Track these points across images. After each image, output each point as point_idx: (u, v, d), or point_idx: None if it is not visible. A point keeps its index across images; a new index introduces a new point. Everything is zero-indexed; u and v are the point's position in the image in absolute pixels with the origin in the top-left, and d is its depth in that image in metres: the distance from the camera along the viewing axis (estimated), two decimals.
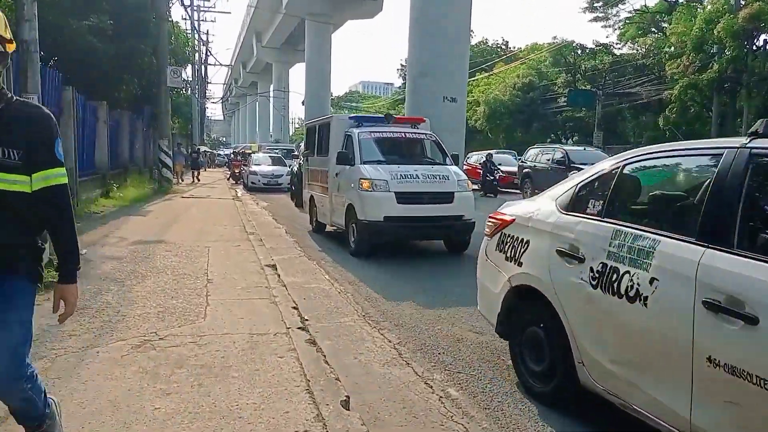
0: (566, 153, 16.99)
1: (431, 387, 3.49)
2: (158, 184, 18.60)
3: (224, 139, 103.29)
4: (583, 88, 41.02)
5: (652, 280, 2.55)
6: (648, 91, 38.35)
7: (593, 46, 46.60)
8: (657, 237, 2.62)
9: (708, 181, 2.57)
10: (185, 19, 32.89)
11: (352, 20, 47.56)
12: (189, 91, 36.16)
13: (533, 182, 17.40)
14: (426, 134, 9.63)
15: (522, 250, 3.49)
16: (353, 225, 8.31)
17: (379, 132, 9.10)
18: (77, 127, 12.20)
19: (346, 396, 3.23)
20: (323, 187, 9.77)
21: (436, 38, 18.74)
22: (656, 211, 3.06)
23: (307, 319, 4.82)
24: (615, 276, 2.74)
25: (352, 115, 10.07)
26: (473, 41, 51.88)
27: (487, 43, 61.10)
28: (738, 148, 2.48)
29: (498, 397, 3.47)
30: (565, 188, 3.48)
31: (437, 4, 18.59)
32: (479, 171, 20.66)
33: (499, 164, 21.46)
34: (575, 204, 3.29)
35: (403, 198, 7.88)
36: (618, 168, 3.17)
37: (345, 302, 5.62)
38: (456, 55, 18.98)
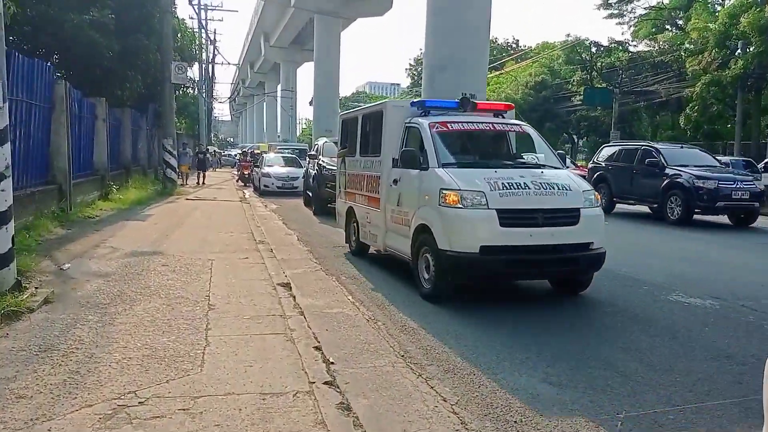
0: (659, 151, 14.16)
1: None
2: (162, 186, 17.64)
3: (231, 139, 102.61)
4: (599, 86, 39.87)
5: None
6: (666, 89, 37.16)
7: (608, 44, 45.47)
8: None
9: None
10: (192, 18, 32.11)
11: (362, 18, 46.54)
12: (196, 91, 35.29)
13: (611, 185, 15.22)
14: (519, 125, 7.21)
15: None
16: (428, 256, 5.80)
17: (458, 123, 6.56)
18: (72, 124, 11.23)
19: None
20: (370, 197, 7.44)
21: (457, 30, 17.75)
22: None
23: (333, 363, 3.76)
24: None
25: (415, 100, 7.41)
26: None
27: (497, 41, 60.08)
28: None
29: None
30: None
31: None
32: None
33: None
34: None
35: (510, 218, 5.39)
36: None
37: (377, 335, 4.56)
38: (477, 48, 17.98)
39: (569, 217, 5.58)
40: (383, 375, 3.65)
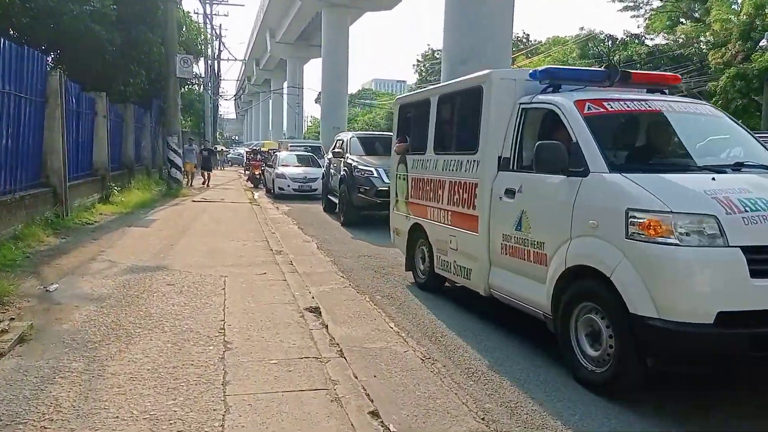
0: None
1: None
2: (166, 187, 16.67)
3: (236, 137, 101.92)
4: None
5: None
6: (687, 83, 35.96)
7: (624, 37, 44.25)
8: None
9: None
10: (197, 12, 31.06)
11: (371, 11, 45.48)
12: (201, 88, 34.36)
13: None
14: (703, 104, 4.94)
15: None
16: (596, 319, 3.58)
17: (621, 102, 4.28)
18: (69, 120, 10.27)
19: None
20: (458, 213, 5.21)
21: (479, 20, 16.73)
22: None
23: None
24: None
25: (536, 69, 4.75)
26: None
27: None
28: None
29: None
30: None
31: None
32: None
33: None
34: None
35: (766, 263, 3.16)
36: None
37: (439, 383, 3.56)
38: (500, 39, 16.97)
39: None
40: None
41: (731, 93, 28.99)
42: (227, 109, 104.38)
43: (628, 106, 4.27)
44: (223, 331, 4.20)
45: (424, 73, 65.59)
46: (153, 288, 5.40)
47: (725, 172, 3.74)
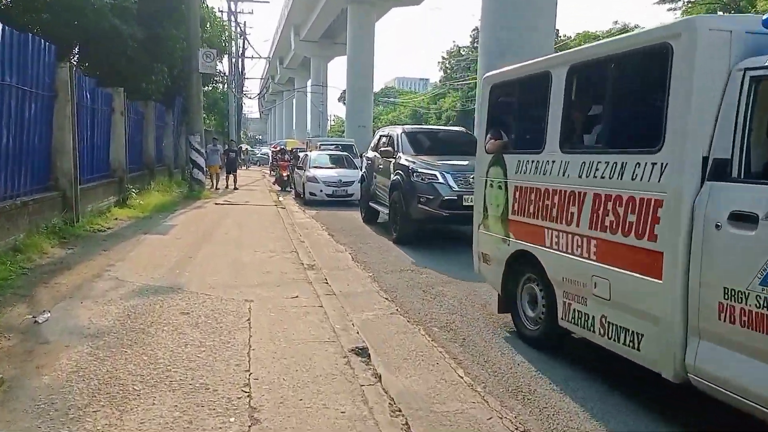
0: None
1: None
2: (188, 189, 15.85)
3: (260, 137, 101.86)
4: None
5: None
6: None
7: None
8: None
9: None
10: (221, 11, 30.34)
11: (396, 7, 44.46)
12: (225, 86, 33.71)
13: None
14: None
15: None
16: None
17: None
18: (81, 117, 9.44)
19: None
20: (618, 245, 3.40)
21: (520, 12, 15.59)
22: None
23: None
24: None
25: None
26: None
27: None
28: None
29: None
30: None
31: None
32: None
33: None
34: None
35: None
36: None
37: None
38: (542, 32, 15.81)
39: None
40: None
41: None
42: (251, 108, 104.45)
43: None
44: (248, 389, 3.19)
45: (449, 71, 64.28)
46: (163, 318, 4.43)
47: None
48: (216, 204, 13.72)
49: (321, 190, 14.87)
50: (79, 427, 2.72)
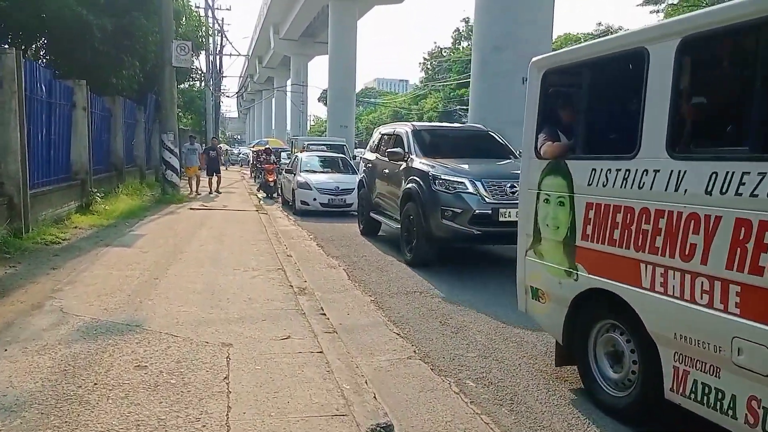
0: None
1: None
2: (161, 191, 14.58)
3: (239, 136, 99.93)
4: None
5: None
6: None
7: None
8: None
9: None
10: (198, 7, 28.78)
11: (379, 5, 43.43)
12: (203, 84, 32.30)
13: None
14: None
15: None
16: None
17: None
18: (32, 111, 8.22)
19: None
20: None
21: (516, 3, 14.71)
22: None
23: None
24: None
25: None
26: None
27: None
28: None
29: None
30: None
31: None
32: None
33: None
34: None
35: None
36: None
37: None
38: (540, 25, 14.92)
39: None
40: None
41: None
42: (229, 107, 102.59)
43: None
44: None
45: (430, 72, 63.43)
46: (111, 376, 3.31)
47: None
48: (191, 209, 12.51)
49: (315, 199, 12.65)
50: None
